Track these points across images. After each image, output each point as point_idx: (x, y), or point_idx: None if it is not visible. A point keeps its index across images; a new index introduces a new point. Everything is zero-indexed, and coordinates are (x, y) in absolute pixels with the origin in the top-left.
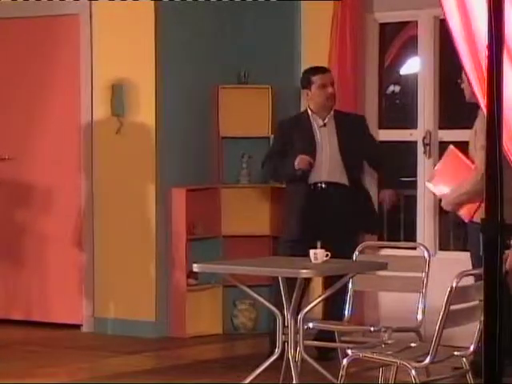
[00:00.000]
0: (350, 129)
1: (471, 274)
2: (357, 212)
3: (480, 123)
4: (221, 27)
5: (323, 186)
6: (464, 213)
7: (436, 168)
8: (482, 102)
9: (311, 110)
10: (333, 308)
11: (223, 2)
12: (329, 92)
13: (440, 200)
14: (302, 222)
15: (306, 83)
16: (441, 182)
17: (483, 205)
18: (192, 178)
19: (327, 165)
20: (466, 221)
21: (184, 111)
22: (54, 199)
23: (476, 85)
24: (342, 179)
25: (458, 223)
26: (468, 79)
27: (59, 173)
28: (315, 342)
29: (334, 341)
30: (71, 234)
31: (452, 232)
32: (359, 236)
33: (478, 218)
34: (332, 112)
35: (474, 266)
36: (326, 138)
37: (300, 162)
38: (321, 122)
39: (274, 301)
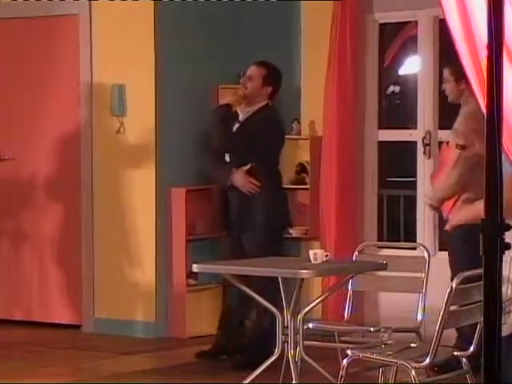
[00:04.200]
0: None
1: (471, 275)
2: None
3: (460, 122)
4: (221, 27)
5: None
6: (443, 210)
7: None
8: (482, 102)
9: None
10: None
11: (223, 2)
12: (241, 82)
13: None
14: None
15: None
16: (437, 178)
17: (458, 203)
18: (192, 178)
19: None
20: (445, 218)
21: (184, 111)
22: (53, 199)
23: (475, 85)
24: None
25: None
26: (453, 81)
27: (59, 173)
28: (315, 343)
29: None
30: (71, 233)
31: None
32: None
33: (452, 217)
34: (252, 109)
35: (452, 266)
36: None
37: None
38: (240, 118)
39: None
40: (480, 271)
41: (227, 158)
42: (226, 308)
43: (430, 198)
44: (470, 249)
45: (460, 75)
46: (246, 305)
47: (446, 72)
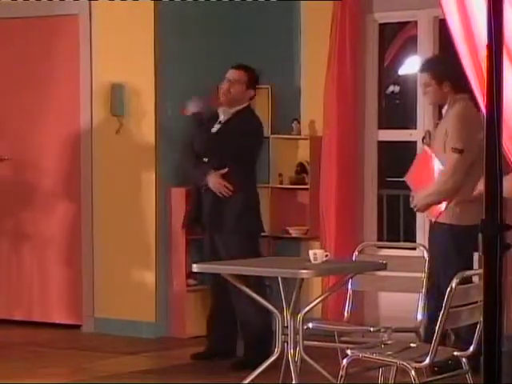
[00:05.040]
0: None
1: (471, 275)
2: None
3: (453, 124)
4: (220, 27)
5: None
6: (430, 213)
7: (412, 165)
8: (482, 102)
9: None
10: None
11: (223, 2)
12: (223, 87)
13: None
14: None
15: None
16: (416, 179)
17: (451, 205)
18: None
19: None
20: (433, 220)
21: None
22: (53, 199)
23: (475, 84)
24: None
25: None
26: (436, 84)
27: (59, 173)
28: (315, 343)
29: None
30: (71, 234)
31: None
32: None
33: (441, 219)
34: (232, 110)
35: (437, 266)
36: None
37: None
38: (222, 117)
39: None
40: (480, 271)
41: (205, 159)
42: (213, 310)
43: (416, 203)
44: (458, 248)
45: (441, 78)
46: (234, 306)
47: (427, 76)
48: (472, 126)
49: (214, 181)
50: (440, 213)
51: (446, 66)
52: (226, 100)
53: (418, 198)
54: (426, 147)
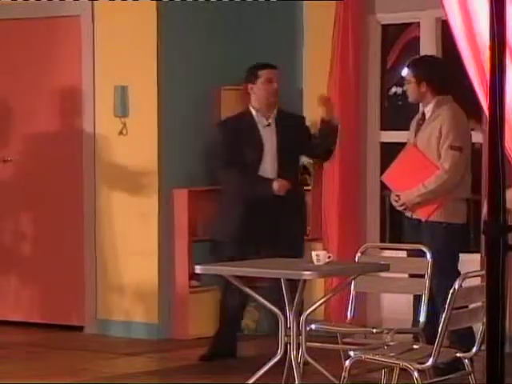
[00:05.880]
0: (291, 129)
1: (474, 276)
2: (294, 219)
3: (449, 123)
4: (223, 28)
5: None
6: (421, 212)
7: (393, 164)
8: (484, 103)
9: (254, 109)
10: None
11: (225, 3)
12: (273, 87)
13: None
14: (248, 224)
15: (252, 77)
16: (398, 179)
17: (448, 203)
18: (194, 179)
19: (272, 166)
20: (423, 220)
21: (186, 112)
22: (56, 200)
23: (478, 85)
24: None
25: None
26: (414, 83)
27: (61, 174)
28: (318, 344)
29: None
30: (73, 235)
31: None
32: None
33: (435, 218)
34: (275, 111)
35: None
36: (270, 138)
37: (281, 188)
38: (265, 122)
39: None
40: (482, 272)
41: (267, 167)
42: (225, 311)
43: (404, 202)
44: (456, 247)
45: (420, 78)
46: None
47: (408, 73)
48: (465, 125)
49: (282, 185)
50: (432, 211)
51: (427, 68)
52: (277, 101)
53: (407, 196)
54: (411, 146)
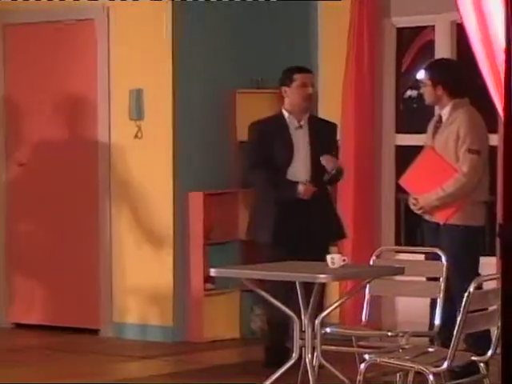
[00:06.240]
0: (322, 134)
1: (489, 279)
2: (326, 221)
3: (467, 126)
4: (238, 32)
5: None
6: (439, 215)
7: (410, 167)
8: (499, 105)
9: (287, 111)
10: None
11: (240, 6)
12: (307, 92)
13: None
14: (281, 226)
15: (287, 80)
16: (416, 182)
17: (467, 206)
18: (209, 182)
19: (304, 168)
20: (441, 223)
21: (201, 115)
22: (71, 203)
23: (493, 88)
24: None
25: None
26: (430, 85)
27: (76, 177)
28: (332, 347)
29: None
30: (89, 238)
31: None
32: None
33: (453, 221)
34: (307, 115)
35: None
36: (301, 140)
37: (306, 193)
38: (296, 124)
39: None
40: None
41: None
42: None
43: (423, 205)
44: (475, 249)
45: (436, 81)
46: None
47: (424, 76)
48: (482, 128)
49: (307, 189)
50: (450, 214)
51: (443, 71)
52: (310, 105)
53: (425, 200)
54: (429, 149)
